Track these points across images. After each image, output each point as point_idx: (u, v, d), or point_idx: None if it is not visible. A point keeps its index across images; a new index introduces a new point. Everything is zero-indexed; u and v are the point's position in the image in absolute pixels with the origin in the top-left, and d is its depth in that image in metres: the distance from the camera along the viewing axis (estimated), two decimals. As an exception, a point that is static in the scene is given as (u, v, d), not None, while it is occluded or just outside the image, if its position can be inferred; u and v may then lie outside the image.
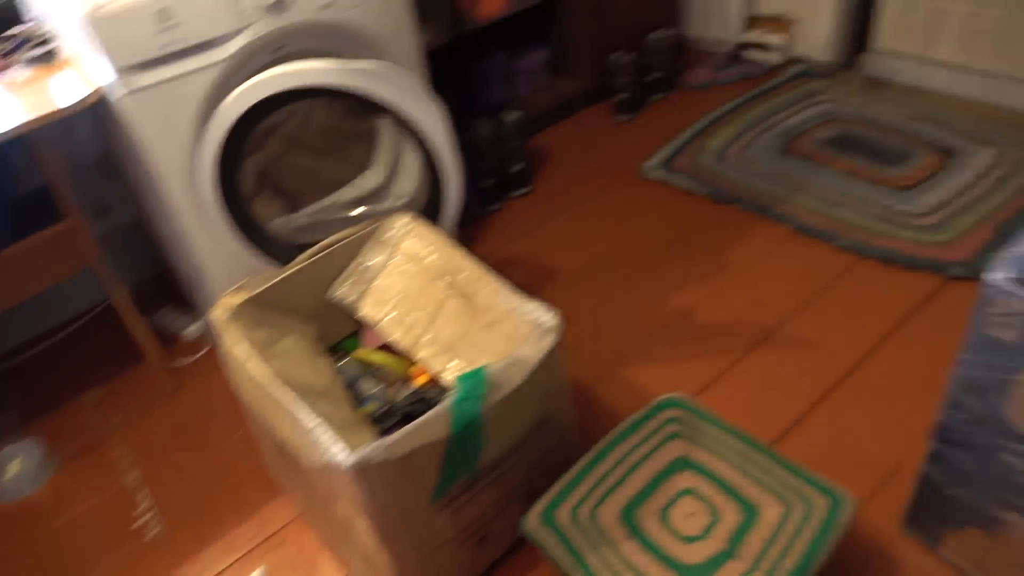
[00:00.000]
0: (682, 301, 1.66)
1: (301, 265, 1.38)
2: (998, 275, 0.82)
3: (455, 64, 2.20)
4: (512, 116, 2.04)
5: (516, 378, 1.06)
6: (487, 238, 1.98)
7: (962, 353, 0.90)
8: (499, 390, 1.05)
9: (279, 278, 1.36)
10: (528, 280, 1.81)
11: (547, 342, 1.09)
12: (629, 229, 1.91)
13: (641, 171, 2.09)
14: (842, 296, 1.60)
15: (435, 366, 1.29)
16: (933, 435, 1.00)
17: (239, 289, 1.30)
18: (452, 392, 1.03)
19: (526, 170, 2.10)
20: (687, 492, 1.09)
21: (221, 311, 1.25)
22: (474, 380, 1.03)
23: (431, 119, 1.57)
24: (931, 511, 1.09)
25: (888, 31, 2.25)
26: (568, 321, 1.67)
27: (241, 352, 1.18)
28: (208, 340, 1.80)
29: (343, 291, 1.42)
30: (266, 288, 1.34)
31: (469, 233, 2.00)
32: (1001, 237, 1.62)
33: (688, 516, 1.06)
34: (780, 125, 2.15)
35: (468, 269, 1.27)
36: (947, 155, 1.90)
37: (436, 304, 1.32)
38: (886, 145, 1.98)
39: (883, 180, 1.87)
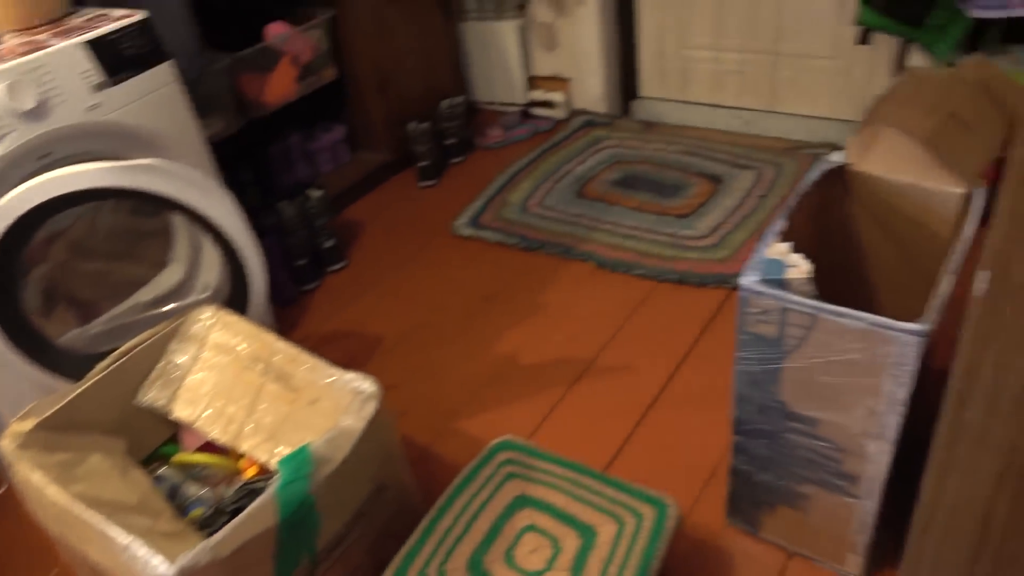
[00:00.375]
0: (506, 347, 1.72)
1: (99, 376, 1.29)
2: (747, 279, 0.94)
3: (252, 150, 2.18)
4: (316, 194, 2.05)
5: (342, 450, 1.05)
6: (308, 316, 1.95)
7: (737, 352, 1.01)
8: (326, 465, 1.03)
9: (74, 394, 1.26)
10: (354, 352, 1.80)
11: (369, 409, 1.09)
12: (447, 287, 1.96)
13: (451, 230, 2.16)
14: (647, 319, 1.73)
15: (262, 456, 1.25)
16: (732, 429, 1.11)
17: (27, 414, 1.19)
18: (276, 477, 1.00)
19: (339, 245, 2.10)
20: (528, 529, 1.12)
21: (9, 441, 1.14)
22: (298, 460, 1.01)
23: (222, 210, 1.54)
24: (746, 499, 1.19)
25: (649, 81, 2.52)
26: (398, 386, 1.67)
27: (37, 481, 1.08)
28: (4, 476, 1.61)
29: (152, 395, 1.34)
30: (60, 408, 1.24)
31: (290, 314, 1.96)
32: (768, 246, 1.84)
33: (532, 552, 1.09)
34: (572, 173, 2.32)
35: (281, 351, 1.25)
36: (716, 182, 2.14)
37: (253, 392, 1.28)
38: (664, 179, 2.20)
39: (666, 211, 2.06)
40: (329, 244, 2.07)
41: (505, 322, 1.80)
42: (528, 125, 2.62)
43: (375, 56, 2.29)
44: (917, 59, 1.96)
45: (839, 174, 1.11)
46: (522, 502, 1.15)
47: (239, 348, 1.31)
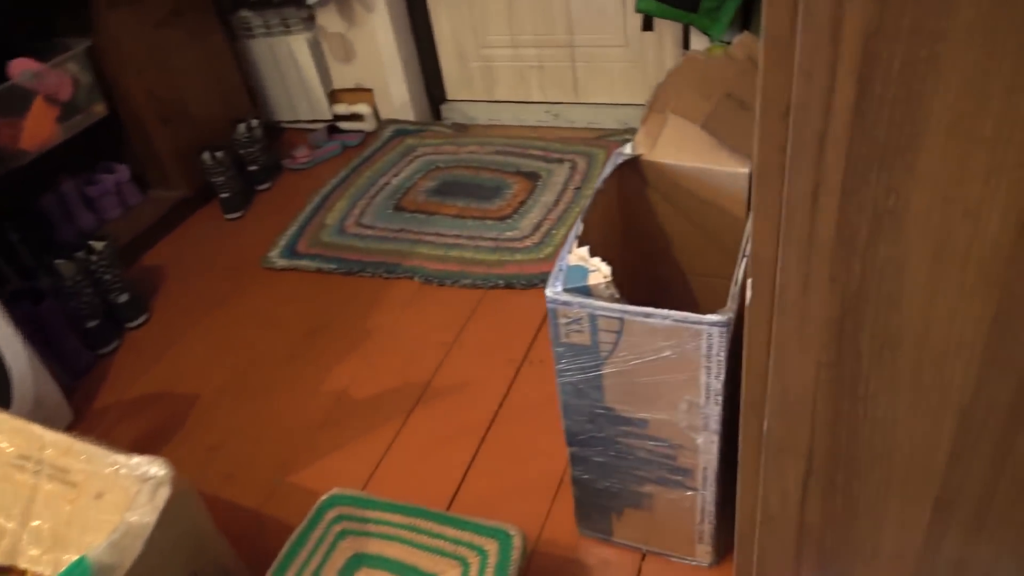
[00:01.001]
0: (336, 384, 1.60)
1: None
2: (552, 290, 0.89)
3: (17, 204, 1.91)
4: (100, 246, 1.82)
5: (132, 551, 0.90)
6: (110, 384, 1.73)
7: (556, 364, 0.96)
8: (114, 572, 0.88)
9: None
10: (166, 417, 1.61)
11: (161, 497, 0.95)
12: (266, 326, 1.81)
13: (264, 263, 2.00)
14: (479, 331, 1.67)
15: (47, 569, 1.06)
16: (566, 441, 1.07)
17: None
18: (51, 602, 0.84)
19: (137, 298, 1.88)
20: (369, 590, 1.02)
21: None
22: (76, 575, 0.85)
23: None
24: (593, 507, 1.16)
25: (455, 83, 2.47)
26: (221, 446, 1.51)
27: None
28: None
29: (-101, 521, 1.11)
30: None
31: (87, 385, 1.73)
32: (589, 238, 1.84)
33: (375, 616, 0.99)
34: (389, 186, 2.22)
35: (52, 443, 1.07)
36: (532, 179, 2.12)
37: (26, 496, 1.09)
38: (482, 182, 2.15)
39: (487, 214, 2.02)
40: (124, 299, 1.85)
41: (333, 357, 1.68)
42: (337, 141, 2.49)
43: (150, 85, 2.07)
44: (699, 40, 2.03)
45: (633, 165, 1.09)
46: (359, 561, 1.05)
47: (1, 448, 1.11)
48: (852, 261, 0.51)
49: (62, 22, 1.97)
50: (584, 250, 0.90)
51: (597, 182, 1.04)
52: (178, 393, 1.67)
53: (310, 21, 2.41)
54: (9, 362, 1.42)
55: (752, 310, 0.59)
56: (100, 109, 2.03)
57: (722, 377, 0.87)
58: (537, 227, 1.93)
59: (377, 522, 1.09)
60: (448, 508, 1.30)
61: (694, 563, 1.13)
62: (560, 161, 2.18)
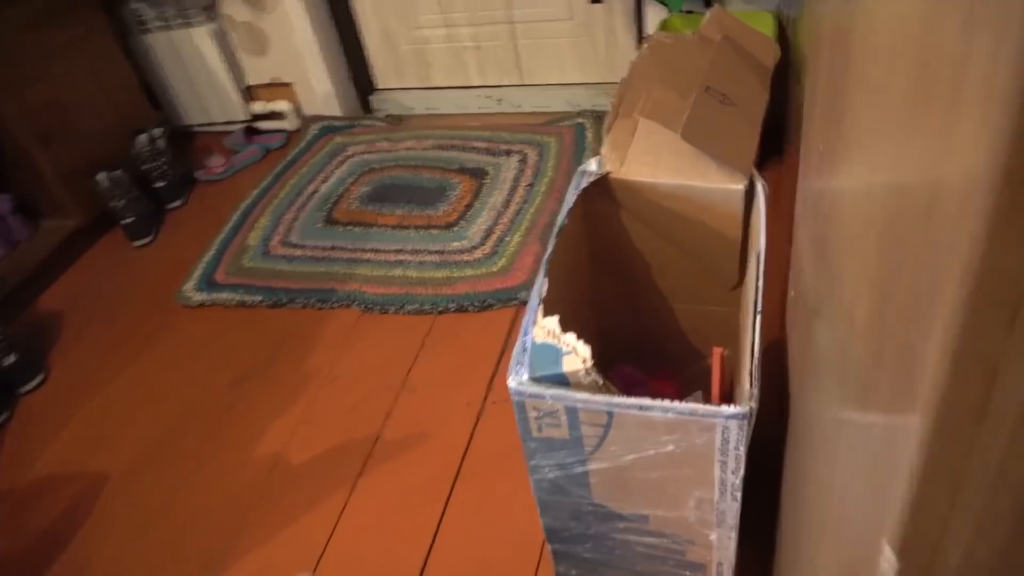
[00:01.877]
0: (270, 446, 1.37)
1: None
2: (516, 380, 0.68)
3: None
4: (-25, 299, 1.54)
5: None
6: (2, 466, 1.46)
7: (530, 460, 0.75)
8: None
9: None
10: (69, 508, 1.36)
11: None
12: (185, 378, 1.56)
13: (180, 299, 1.74)
14: (432, 365, 1.45)
15: None
16: (545, 538, 0.86)
17: None
18: None
19: (30, 356, 1.61)
20: None
21: None
22: None
23: None
24: (582, 600, 0.96)
25: (384, 70, 2.20)
26: (143, 532, 1.27)
27: None
28: None
29: None
30: None
31: (-25, 467, 1.46)
32: (546, 247, 1.62)
33: None
34: (317, 194, 1.97)
35: None
36: (479, 176, 1.89)
37: None
38: (423, 183, 1.91)
39: (431, 222, 1.78)
40: (11, 360, 1.58)
41: (264, 412, 1.44)
42: (256, 144, 2.21)
43: (25, 99, 1.77)
44: (654, 12, 1.80)
45: (601, 185, 0.88)
46: None
47: None
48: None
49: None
50: (553, 322, 0.68)
51: (559, 218, 0.82)
52: (86, 472, 1.42)
53: (212, 10, 2.11)
54: None
55: None
56: (-36, 134, 1.72)
57: (741, 472, 0.67)
58: (487, 234, 1.70)
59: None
60: (410, 603, 1.09)
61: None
62: (508, 154, 1.94)
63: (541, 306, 0.70)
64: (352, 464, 1.31)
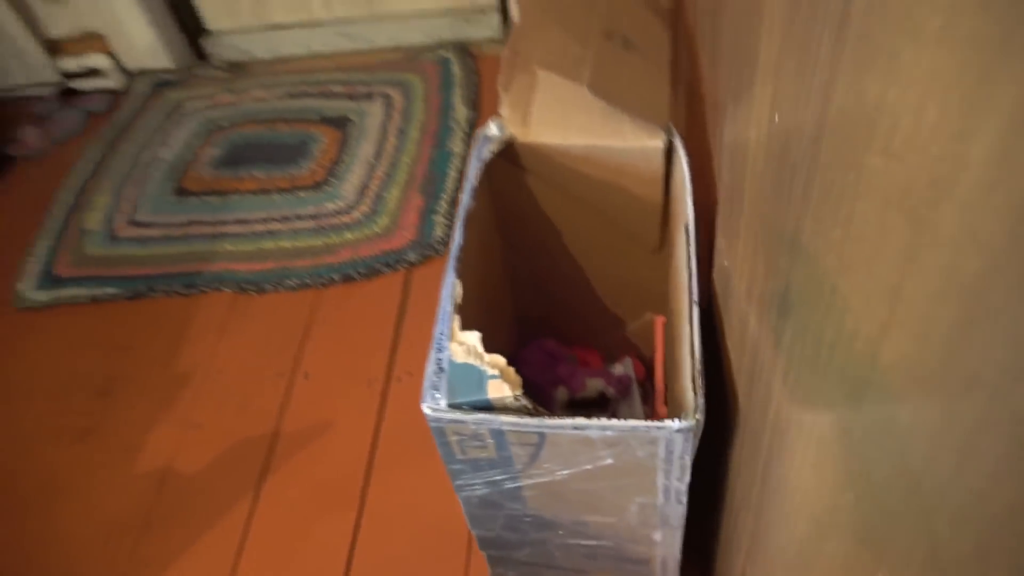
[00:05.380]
0: (154, 461, 1.24)
1: None
2: (431, 406, 0.60)
3: None
4: None
5: None
6: None
7: (455, 480, 0.69)
8: None
9: None
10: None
11: None
12: (41, 396, 1.37)
13: (19, 303, 1.51)
14: (324, 347, 1.34)
15: None
16: (478, 546, 0.81)
17: None
18: None
19: None
20: None
21: None
22: None
23: None
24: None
25: (214, 11, 1.95)
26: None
27: None
28: None
29: None
30: None
31: None
32: (432, 198, 1.52)
33: None
34: (161, 162, 1.74)
35: None
36: (342, 126, 1.73)
37: None
38: (281, 139, 1.73)
39: (296, 182, 1.63)
40: None
41: (141, 422, 1.29)
42: (74, 109, 1.93)
43: None
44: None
45: (506, 153, 0.79)
46: None
47: None
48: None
49: None
50: (474, 338, 0.60)
51: (464, 199, 0.73)
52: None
53: (-12, -47, 1.77)
54: None
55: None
56: None
57: (687, 479, 0.64)
58: (363, 191, 1.58)
59: None
60: (342, 612, 1.03)
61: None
62: (369, 97, 1.79)
63: (457, 316, 0.62)
64: (251, 468, 1.20)
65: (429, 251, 1.43)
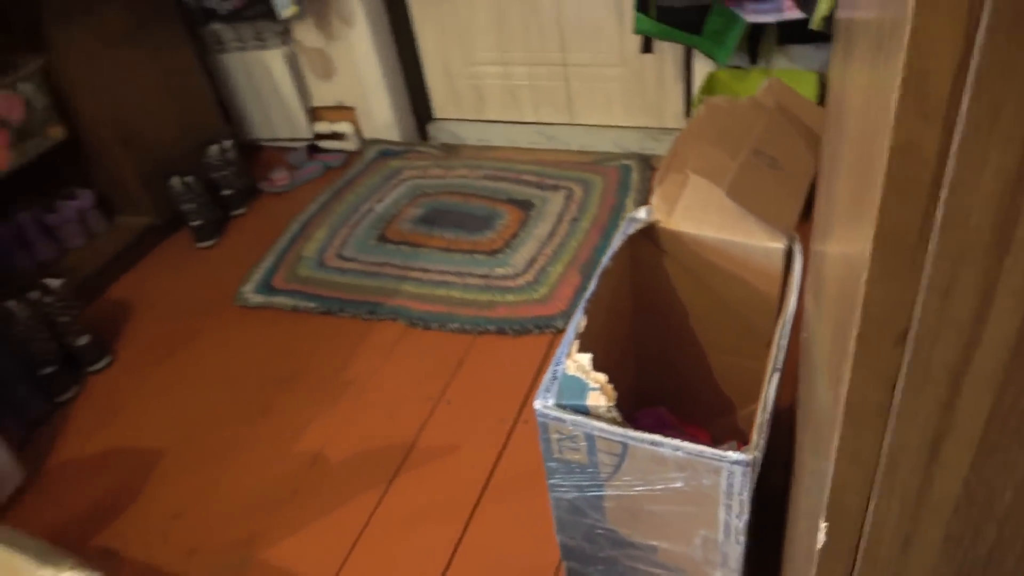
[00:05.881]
0: (310, 443, 1.47)
1: None
2: (542, 403, 0.76)
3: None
4: (55, 284, 1.68)
5: None
6: (66, 437, 1.59)
7: (550, 479, 0.84)
8: None
9: None
10: (125, 478, 1.47)
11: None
12: (237, 372, 1.67)
13: (239, 300, 1.86)
14: (468, 383, 1.54)
15: None
16: (561, 555, 0.94)
17: None
18: None
19: (98, 339, 1.74)
20: None
21: None
22: None
23: None
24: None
25: (442, 102, 2.33)
26: (183, 515, 1.38)
27: None
28: None
29: None
30: None
31: (43, 437, 1.59)
32: (588, 279, 1.71)
33: None
34: (372, 213, 2.09)
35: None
36: (525, 208, 1.99)
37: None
38: (472, 210, 2.02)
39: (477, 247, 1.89)
40: (84, 341, 1.71)
41: (307, 410, 1.54)
42: (317, 162, 2.35)
43: (110, 105, 1.93)
44: (702, 64, 1.90)
45: (649, 232, 0.97)
46: None
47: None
48: (986, 524, 0.39)
49: (12, 39, 1.81)
50: (586, 359, 0.77)
51: (604, 259, 0.92)
52: (140, 448, 1.54)
53: (286, 35, 2.26)
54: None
55: (825, 559, 0.46)
56: (57, 132, 1.88)
57: (745, 517, 0.75)
58: (530, 263, 1.80)
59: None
60: (432, 601, 1.17)
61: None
62: (555, 188, 2.05)
63: (577, 341, 0.79)
64: (387, 468, 1.40)
65: (575, 323, 1.61)
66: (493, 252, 1.86)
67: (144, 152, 2.02)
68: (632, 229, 0.95)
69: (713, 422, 1.18)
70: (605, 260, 0.91)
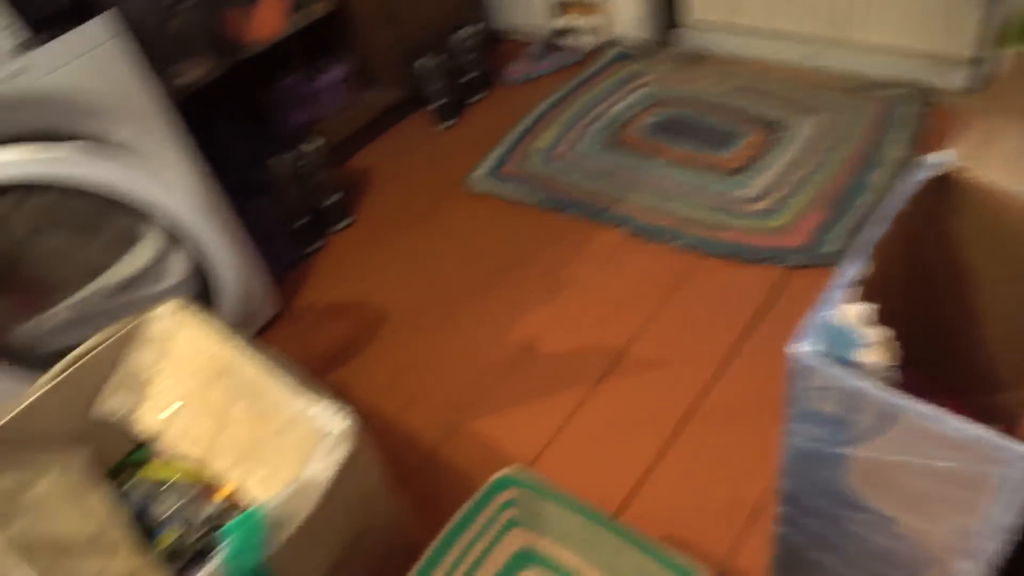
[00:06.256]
0: (524, 331, 1.51)
1: (51, 384, 1.13)
2: (804, 348, 0.70)
3: (238, 97, 1.95)
4: (314, 144, 1.82)
5: (304, 508, 0.87)
6: (311, 284, 1.76)
7: (789, 424, 0.78)
8: (284, 527, 0.85)
9: (22, 406, 1.10)
10: (358, 329, 1.61)
11: (338, 455, 0.90)
12: (463, 253, 1.74)
13: (469, 183, 1.92)
14: (687, 303, 1.49)
15: (235, 477, 1.09)
16: (779, 498, 0.89)
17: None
18: (224, 545, 0.83)
19: (344, 200, 1.89)
20: (534, 594, 0.94)
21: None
22: (247, 526, 0.83)
23: (170, 192, 1.31)
24: (795, 572, 0.98)
25: (695, 2, 2.17)
26: (406, 371, 1.49)
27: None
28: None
29: (113, 404, 1.18)
30: (6, 422, 1.09)
31: (292, 280, 1.77)
32: (835, 216, 1.57)
33: (536, 627, 0.91)
34: (606, 115, 2.04)
35: (249, 367, 1.06)
36: (772, 129, 1.84)
37: (221, 409, 1.10)
38: (712, 125, 1.90)
39: (714, 165, 1.78)
40: (333, 199, 1.86)
41: (525, 300, 1.58)
42: (555, 56, 2.32)
43: (380, -18, 2.00)
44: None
45: (944, 182, 0.84)
46: (527, 558, 0.97)
47: (204, 357, 1.12)
48: None
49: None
50: (862, 309, 0.69)
51: (895, 198, 0.81)
52: (371, 307, 1.67)
53: (550, -80, 2.19)
54: (218, 268, 1.45)
55: None
56: (324, 4, 1.99)
57: (1017, 515, 0.65)
58: (771, 190, 1.68)
59: (551, 519, 0.99)
60: (618, 513, 1.18)
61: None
62: (811, 112, 1.87)
63: (857, 288, 0.71)
64: (593, 370, 1.41)
65: (815, 260, 1.48)
66: (732, 172, 1.75)
67: (400, 30, 2.09)
68: (926, 175, 0.83)
69: (971, 399, 1.05)
70: (897, 203, 0.81)
